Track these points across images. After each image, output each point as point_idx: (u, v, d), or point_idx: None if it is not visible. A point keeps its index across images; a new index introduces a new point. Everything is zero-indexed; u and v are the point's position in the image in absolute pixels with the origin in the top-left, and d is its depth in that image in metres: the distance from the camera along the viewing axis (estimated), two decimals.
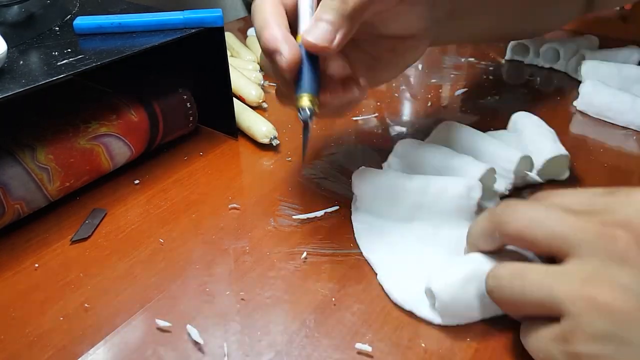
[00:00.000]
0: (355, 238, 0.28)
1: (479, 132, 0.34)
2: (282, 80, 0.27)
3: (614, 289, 0.18)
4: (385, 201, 0.28)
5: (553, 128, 0.42)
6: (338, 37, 0.24)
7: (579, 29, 0.60)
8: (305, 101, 0.24)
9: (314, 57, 0.25)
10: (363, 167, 0.30)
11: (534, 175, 0.31)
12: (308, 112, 0.24)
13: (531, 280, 0.20)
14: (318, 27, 0.24)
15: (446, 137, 0.33)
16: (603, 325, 0.17)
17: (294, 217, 0.30)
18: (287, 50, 0.24)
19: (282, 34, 0.24)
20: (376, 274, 0.26)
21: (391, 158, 0.33)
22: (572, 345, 0.18)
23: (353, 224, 0.29)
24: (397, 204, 0.28)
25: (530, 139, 0.33)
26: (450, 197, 0.27)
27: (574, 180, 0.33)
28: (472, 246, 0.24)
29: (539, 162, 0.31)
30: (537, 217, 0.20)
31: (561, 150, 0.32)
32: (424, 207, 0.28)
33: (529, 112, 0.43)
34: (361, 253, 0.27)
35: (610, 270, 0.18)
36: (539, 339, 0.20)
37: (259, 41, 0.26)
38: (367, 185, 0.29)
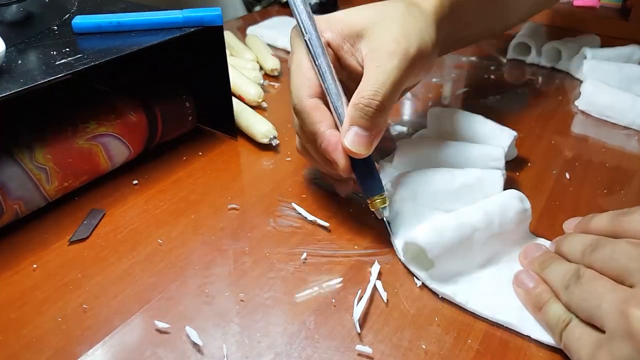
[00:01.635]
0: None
1: (467, 113, 0.35)
2: (327, 169, 0.29)
3: None
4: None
5: (554, 127, 0.42)
6: (373, 137, 0.26)
7: (581, 27, 0.60)
8: (379, 204, 0.27)
9: (368, 158, 0.27)
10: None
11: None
12: (386, 213, 0.27)
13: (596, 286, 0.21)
14: (351, 137, 0.26)
15: (440, 126, 0.34)
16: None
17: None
18: (343, 162, 0.26)
19: (333, 142, 0.26)
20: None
21: (395, 160, 0.32)
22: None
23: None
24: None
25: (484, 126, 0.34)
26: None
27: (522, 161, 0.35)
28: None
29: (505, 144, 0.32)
30: (617, 256, 0.21)
31: (512, 132, 0.33)
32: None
33: (529, 111, 0.43)
34: (361, 254, 0.27)
35: None
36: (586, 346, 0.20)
37: (302, 131, 0.29)
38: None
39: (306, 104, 0.27)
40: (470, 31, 0.36)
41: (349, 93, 0.27)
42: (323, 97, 0.27)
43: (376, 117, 0.25)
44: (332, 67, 0.27)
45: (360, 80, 0.26)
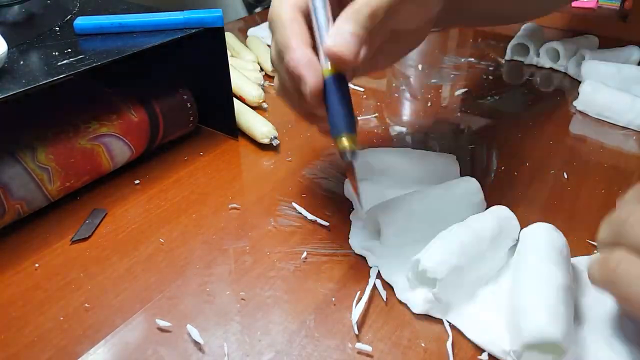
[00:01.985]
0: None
1: (398, 150, 0.33)
2: (301, 104, 0.25)
3: None
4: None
5: (552, 128, 0.42)
6: (363, 50, 0.23)
7: (579, 28, 0.60)
8: (346, 143, 0.22)
9: (343, 87, 0.23)
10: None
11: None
12: (351, 156, 0.22)
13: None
14: (343, 39, 0.22)
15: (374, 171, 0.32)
16: None
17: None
18: (311, 78, 0.22)
19: (306, 58, 0.22)
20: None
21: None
22: None
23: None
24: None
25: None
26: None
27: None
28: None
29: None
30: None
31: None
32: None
33: (527, 112, 0.43)
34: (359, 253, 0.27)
35: None
36: None
37: (280, 62, 0.24)
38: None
39: (285, 13, 0.24)
40: (480, 7, 0.34)
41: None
42: (306, 13, 0.24)
43: (367, 22, 0.22)
44: None
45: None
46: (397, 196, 0.28)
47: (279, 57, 0.24)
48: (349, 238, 0.28)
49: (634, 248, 0.19)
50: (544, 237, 0.24)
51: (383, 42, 0.28)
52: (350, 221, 0.30)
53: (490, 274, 0.25)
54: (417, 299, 0.24)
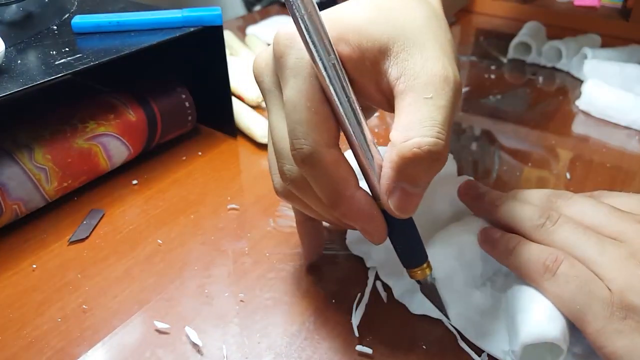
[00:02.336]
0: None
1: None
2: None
3: None
4: None
5: (555, 127, 0.42)
6: (422, 193, 0.19)
7: (581, 27, 0.60)
8: (424, 273, 0.21)
9: (408, 220, 0.20)
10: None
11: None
12: (432, 280, 0.22)
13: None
14: (397, 198, 0.18)
15: None
16: None
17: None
18: (382, 230, 0.20)
19: (367, 210, 0.19)
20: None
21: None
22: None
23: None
24: None
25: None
26: None
27: None
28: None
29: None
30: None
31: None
32: None
33: (529, 111, 0.42)
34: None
35: None
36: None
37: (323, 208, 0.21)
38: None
39: (326, 156, 0.18)
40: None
41: None
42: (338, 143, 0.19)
43: (432, 165, 0.17)
44: (355, 99, 0.19)
45: (373, 110, 0.21)
46: None
47: (302, 186, 0.20)
48: (345, 239, 0.28)
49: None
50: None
51: None
52: None
53: (488, 274, 0.25)
54: (416, 300, 0.24)
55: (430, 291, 0.22)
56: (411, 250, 0.21)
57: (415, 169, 0.17)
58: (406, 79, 0.18)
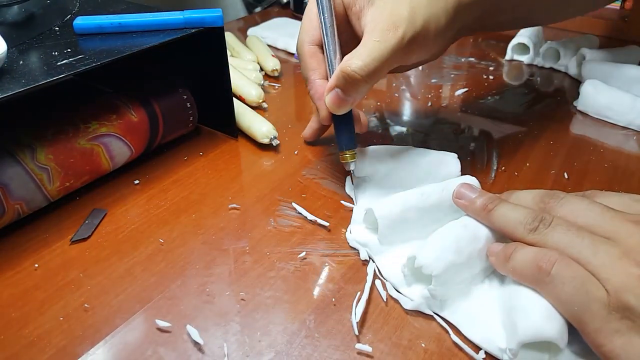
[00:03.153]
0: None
1: (402, 148, 0.33)
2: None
3: None
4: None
5: (553, 127, 0.42)
6: (350, 102, 0.28)
7: (579, 28, 0.60)
8: (349, 158, 0.31)
9: (346, 115, 0.30)
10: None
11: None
12: (352, 166, 0.31)
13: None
14: (330, 96, 0.28)
15: (376, 169, 0.33)
16: None
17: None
18: (324, 112, 0.30)
19: (319, 93, 0.30)
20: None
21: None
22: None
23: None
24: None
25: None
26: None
27: None
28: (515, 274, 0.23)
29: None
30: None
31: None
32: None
33: (527, 112, 0.42)
34: (359, 253, 0.27)
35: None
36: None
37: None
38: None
39: (305, 49, 0.30)
40: (508, 17, 0.34)
41: (348, 51, 0.28)
42: (322, 46, 0.30)
43: (358, 86, 0.27)
44: (334, 23, 0.29)
45: (357, 44, 0.27)
46: (396, 193, 0.28)
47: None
48: (345, 233, 0.29)
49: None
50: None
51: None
52: (351, 221, 0.30)
53: (486, 272, 0.25)
54: (411, 295, 0.24)
55: (349, 174, 0.32)
56: (343, 137, 0.30)
57: (344, 83, 0.27)
58: (371, 22, 0.27)
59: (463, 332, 0.23)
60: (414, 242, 0.27)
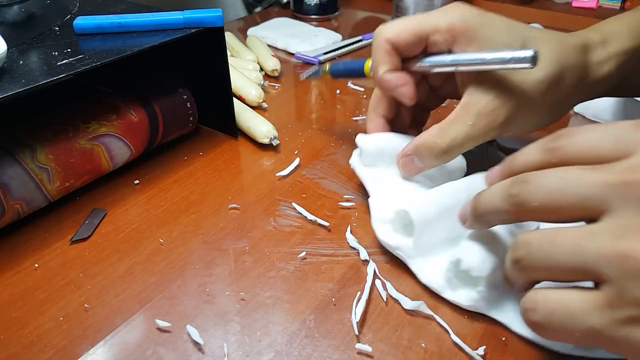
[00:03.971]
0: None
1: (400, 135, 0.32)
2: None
3: None
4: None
5: (551, 128, 0.42)
6: (422, 170, 0.29)
7: (579, 29, 0.60)
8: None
9: None
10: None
11: None
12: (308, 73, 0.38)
13: (563, 244, 0.17)
14: (405, 161, 0.29)
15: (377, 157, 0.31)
16: None
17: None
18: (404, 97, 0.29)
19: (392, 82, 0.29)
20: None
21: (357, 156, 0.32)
22: (621, 311, 0.16)
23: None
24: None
25: None
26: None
27: None
28: (482, 220, 0.22)
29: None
30: (556, 187, 0.18)
31: None
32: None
33: None
34: (359, 252, 0.27)
35: None
36: (578, 314, 0.17)
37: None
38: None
39: (378, 42, 0.29)
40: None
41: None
42: (396, 45, 0.29)
43: (435, 161, 0.27)
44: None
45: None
46: (425, 191, 0.28)
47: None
48: (374, 233, 0.28)
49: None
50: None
51: None
52: (351, 221, 0.30)
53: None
54: (458, 299, 0.24)
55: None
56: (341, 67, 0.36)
57: (424, 154, 0.28)
58: (467, 100, 0.27)
59: (515, 330, 0.23)
60: (452, 244, 0.26)
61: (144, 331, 0.23)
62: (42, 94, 0.32)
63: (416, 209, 0.26)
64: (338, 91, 0.47)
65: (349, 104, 0.45)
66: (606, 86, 0.29)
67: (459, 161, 0.31)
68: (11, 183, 0.27)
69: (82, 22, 0.32)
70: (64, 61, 0.28)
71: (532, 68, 0.24)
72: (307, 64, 0.54)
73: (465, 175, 0.30)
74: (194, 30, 0.33)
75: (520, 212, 0.19)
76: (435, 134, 0.27)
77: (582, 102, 0.30)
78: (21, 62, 0.28)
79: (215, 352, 0.22)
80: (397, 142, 0.30)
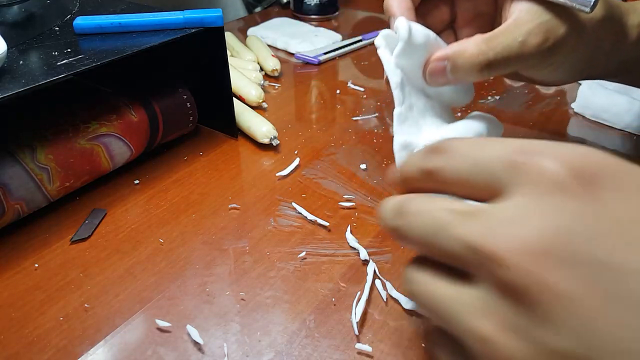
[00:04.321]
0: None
1: None
2: None
3: (544, 228, 0.14)
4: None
5: (551, 129, 0.42)
6: (450, 81, 0.25)
7: None
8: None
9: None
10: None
11: None
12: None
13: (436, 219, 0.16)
14: (435, 65, 0.25)
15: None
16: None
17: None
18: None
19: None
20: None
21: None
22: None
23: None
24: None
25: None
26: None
27: None
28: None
29: None
30: (426, 233, 0.16)
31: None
32: None
33: (527, 113, 0.42)
34: (359, 253, 0.27)
35: (541, 206, 0.14)
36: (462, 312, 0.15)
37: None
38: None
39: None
40: None
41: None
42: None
43: (471, 73, 0.24)
44: None
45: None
46: (448, 126, 0.25)
47: None
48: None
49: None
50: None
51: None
52: (352, 221, 0.30)
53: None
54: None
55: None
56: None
57: (460, 62, 0.24)
58: (519, 13, 0.24)
59: None
60: None
61: (144, 331, 0.23)
62: (42, 94, 0.32)
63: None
64: (338, 91, 0.47)
65: (349, 104, 0.45)
66: (634, 54, 0.28)
67: (498, 126, 0.28)
68: (11, 183, 0.27)
69: (82, 22, 0.32)
70: (64, 61, 0.28)
71: (588, 13, 0.24)
72: (307, 63, 0.54)
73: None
74: (194, 30, 0.33)
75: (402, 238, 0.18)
76: (479, 43, 0.24)
77: (614, 70, 0.29)
78: (21, 62, 0.28)
79: (215, 352, 0.22)
80: (436, 44, 0.26)
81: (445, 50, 0.25)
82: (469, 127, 0.26)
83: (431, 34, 0.26)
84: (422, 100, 0.26)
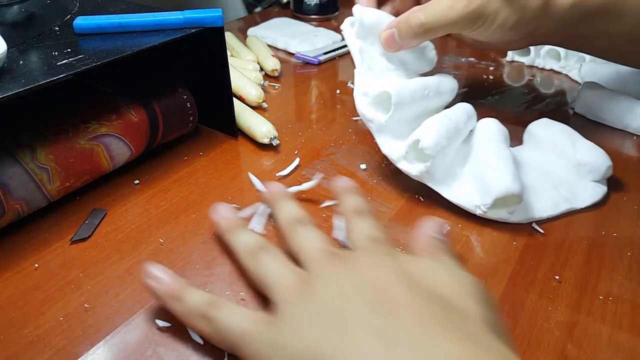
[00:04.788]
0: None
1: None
2: None
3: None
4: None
5: None
6: (401, 46, 0.32)
7: None
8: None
9: None
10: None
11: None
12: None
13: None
14: (387, 33, 0.32)
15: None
16: None
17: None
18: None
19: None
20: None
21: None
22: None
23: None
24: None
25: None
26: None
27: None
28: None
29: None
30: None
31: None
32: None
33: (527, 113, 0.42)
34: None
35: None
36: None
37: None
38: None
39: None
40: (612, 44, 0.34)
41: None
42: None
43: (413, 38, 0.31)
44: None
45: None
46: (405, 78, 0.33)
47: None
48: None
49: None
50: (494, 127, 0.33)
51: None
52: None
53: (463, 155, 0.32)
54: (409, 169, 0.30)
55: None
56: None
57: (404, 29, 0.31)
58: None
59: (446, 196, 0.30)
60: (415, 127, 0.31)
61: (144, 331, 0.23)
62: (42, 94, 0.32)
63: (397, 91, 0.30)
64: (338, 91, 0.47)
65: (349, 104, 0.45)
66: (563, 23, 0.32)
67: (451, 81, 0.35)
68: (11, 183, 0.27)
69: (82, 22, 0.32)
70: (64, 61, 0.28)
71: None
72: (307, 63, 0.54)
73: (456, 98, 0.36)
74: (194, 30, 0.33)
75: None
76: (415, 11, 0.31)
77: (542, 40, 0.34)
78: (21, 62, 0.28)
79: (215, 352, 0.22)
80: (388, 21, 0.33)
81: (393, 22, 0.32)
82: (419, 80, 0.32)
83: (382, 13, 0.33)
84: (383, 64, 0.33)
